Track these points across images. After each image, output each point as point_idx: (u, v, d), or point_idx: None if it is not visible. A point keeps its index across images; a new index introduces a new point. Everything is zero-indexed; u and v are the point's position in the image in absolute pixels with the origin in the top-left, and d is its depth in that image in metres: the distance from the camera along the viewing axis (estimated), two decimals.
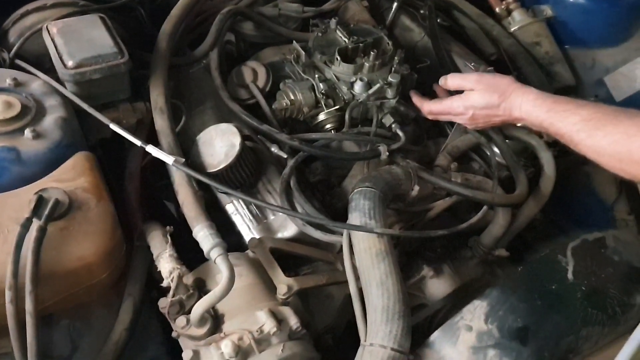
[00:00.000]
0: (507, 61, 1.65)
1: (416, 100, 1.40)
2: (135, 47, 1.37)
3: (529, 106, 1.20)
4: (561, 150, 1.49)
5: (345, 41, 1.41)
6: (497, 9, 1.77)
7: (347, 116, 1.35)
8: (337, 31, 1.44)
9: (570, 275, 1.10)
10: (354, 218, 1.13)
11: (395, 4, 1.69)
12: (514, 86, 1.24)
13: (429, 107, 1.37)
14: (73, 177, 1.07)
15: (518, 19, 1.73)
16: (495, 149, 1.41)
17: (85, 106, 1.15)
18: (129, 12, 1.53)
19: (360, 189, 1.18)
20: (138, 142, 1.11)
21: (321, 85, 1.34)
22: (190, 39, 1.55)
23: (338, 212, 1.34)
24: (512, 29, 1.73)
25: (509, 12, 1.76)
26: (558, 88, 1.66)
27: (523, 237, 1.53)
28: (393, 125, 1.37)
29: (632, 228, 1.67)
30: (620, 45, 1.74)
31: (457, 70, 1.54)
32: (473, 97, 1.29)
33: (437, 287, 1.36)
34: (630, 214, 1.71)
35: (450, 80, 1.35)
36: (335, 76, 1.36)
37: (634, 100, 1.68)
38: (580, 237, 1.16)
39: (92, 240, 1.02)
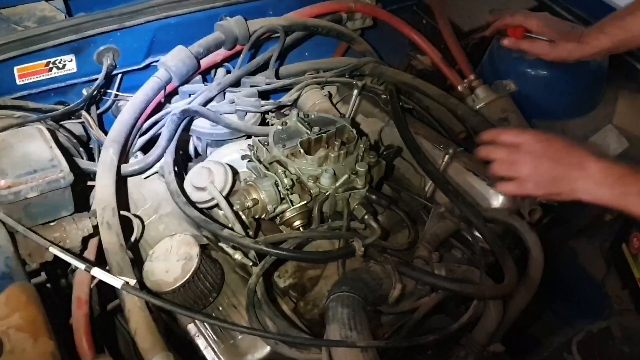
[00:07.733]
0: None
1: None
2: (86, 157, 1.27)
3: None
4: (543, 227, 1.41)
5: (307, 132, 1.32)
6: (459, 87, 1.73)
7: (315, 211, 1.26)
8: (298, 122, 1.35)
9: None
10: (333, 331, 1.01)
11: (355, 91, 1.63)
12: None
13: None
14: (6, 314, 0.92)
15: (482, 96, 1.68)
16: (477, 234, 1.31)
17: (20, 228, 1.02)
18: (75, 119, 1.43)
19: (336, 294, 1.07)
20: (82, 266, 0.98)
21: (285, 180, 1.24)
22: (145, 142, 1.45)
23: (315, 321, 1.21)
24: (478, 107, 1.67)
25: (471, 89, 1.71)
26: None
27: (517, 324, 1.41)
28: (366, 217, 1.27)
29: (628, 305, 1.56)
30: (589, 115, 1.71)
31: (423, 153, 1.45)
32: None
33: None
34: (624, 288, 1.61)
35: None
36: (300, 170, 1.27)
37: None
38: (585, 329, 1.04)
39: None
